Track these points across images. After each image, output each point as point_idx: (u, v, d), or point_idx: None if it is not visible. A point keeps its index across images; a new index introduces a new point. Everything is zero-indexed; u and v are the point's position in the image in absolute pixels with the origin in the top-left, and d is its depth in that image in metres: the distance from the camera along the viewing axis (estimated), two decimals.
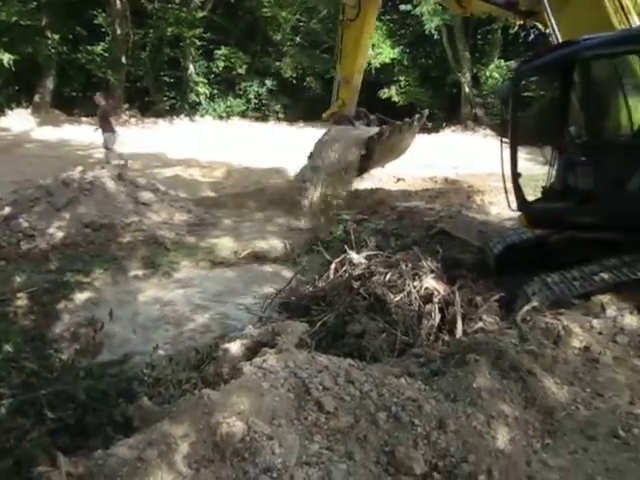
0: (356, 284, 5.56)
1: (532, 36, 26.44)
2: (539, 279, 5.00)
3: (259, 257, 8.37)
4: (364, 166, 11.12)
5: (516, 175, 5.96)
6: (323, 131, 11.96)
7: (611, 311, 4.37)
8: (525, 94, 6.41)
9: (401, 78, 25.73)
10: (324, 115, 11.98)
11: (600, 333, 4.04)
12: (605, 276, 4.86)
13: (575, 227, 5.76)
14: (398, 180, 12.54)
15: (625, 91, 5.14)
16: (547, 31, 20.58)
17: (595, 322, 4.14)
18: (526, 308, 4.39)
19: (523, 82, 6.32)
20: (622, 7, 5.62)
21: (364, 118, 11.75)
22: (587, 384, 3.55)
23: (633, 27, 5.54)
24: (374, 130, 10.81)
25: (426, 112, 12.54)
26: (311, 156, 11.29)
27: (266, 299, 6.45)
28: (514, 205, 6.00)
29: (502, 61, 22.88)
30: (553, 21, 6.32)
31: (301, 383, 3.28)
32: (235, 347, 4.46)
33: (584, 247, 5.56)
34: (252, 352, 4.30)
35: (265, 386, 3.16)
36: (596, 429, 3.17)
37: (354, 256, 6.02)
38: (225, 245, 8.73)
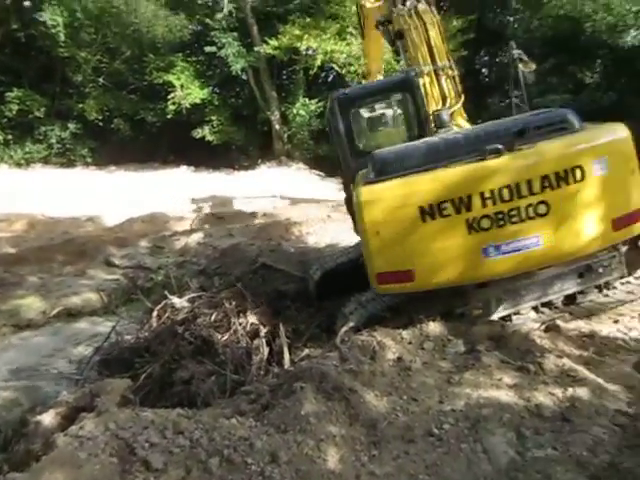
0: (180, 329, 5.41)
1: (331, 77, 28.66)
2: (354, 299, 5.35)
3: (73, 314, 7.70)
4: None
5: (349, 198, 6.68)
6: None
7: (418, 320, 4.82)
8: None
9: (213, 118, 25.97)
10: None
11: (410, 343, 4.43)
12: None
13: None
14: (217, 219, 12.56)
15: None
16: (343, 71, 22.44)
17: (405, 333, 4.53)
18: (344, 329, 4.66)
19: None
20: (430, 46, 6.26)
21: None
22: (403, 392, 3.84)
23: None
24: None
25: None
26: None
27: (83, 359, 5.94)
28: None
29: (307, 99, 24.38)
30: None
31: (124, 444, 3.07)
32: (48, 418, 4.03)
33: None
34: (69, 420, 3.91)
35: (82, 456, 2.90)
36: (414, 432, 3.44)
37: (176, 300, 5.86)
38: (31, 305, 7.86)
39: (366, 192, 4.62)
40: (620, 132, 4.62)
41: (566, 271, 5.77)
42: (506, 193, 4.29)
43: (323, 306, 6.33)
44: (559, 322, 5.08)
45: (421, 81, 6.00)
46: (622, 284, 6.24)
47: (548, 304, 5.71)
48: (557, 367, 3.96)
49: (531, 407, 3.54)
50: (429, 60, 6.08)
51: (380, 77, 11.11)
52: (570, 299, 5.86)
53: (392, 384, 3.89)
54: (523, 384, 3.81)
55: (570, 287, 5.80)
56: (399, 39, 6.70)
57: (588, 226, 4.46)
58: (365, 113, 6.38)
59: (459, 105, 6.35)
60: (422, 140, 5.40)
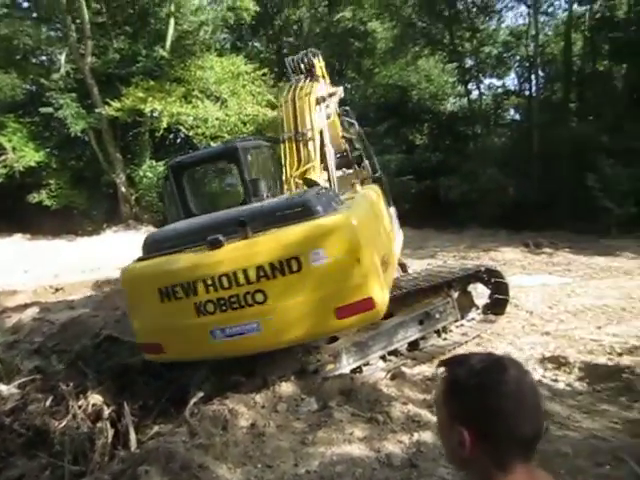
0: (8, 420, 4.76)
1: (179, 139, 28.48)
2: (205, 367, 5.16)
3: None
4: None
5: None
6: None
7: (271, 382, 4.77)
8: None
9: (51, 181, 24.21)
10: None
11: (263, 407, 4.35)
12: None
13: None
14: (56, 290, 11.54)
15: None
16: (190, 133, 22.46)
17: (258, 397, 4.44)
18: (193, 400, 4.44)
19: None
20: (295, 116, 6.47)
21: None
22: (257, 460, 3.73)
23: None
24: None
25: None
26: None
27: None
28: None
29: (154, 161, 23.82)
30: None
31: None
32: None
33: None
34: None
35: None
36: None
37: (2, 388, 5.18)
38: None
39: (125, 269, 5.03)
40: (344, 221, 4.52)
41: (407, 319, 6.18)
42: (225, 281, 4.45)
43: (175, 376, 5.99)
44: (404, 368, 5.36)
45: (282, 146, 6.29)
46: (457, 327, 6.84)
47: (394, 352, 6.04)
48: (403, 414, 4.13)
49: (381, 458, 3.63)
50: (292, 128, 6.37)
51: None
52: (413, 345, 6.27)
53: (246, 453, 3.77)
54: (373, 435, 3.91)
55: (412, 334, 6.23)
56: None
57: (308, 314, 4.50)
58: (196, 179, 6.63)
59: (308, 166, 6.64)
60: (184, 221, 5.67)
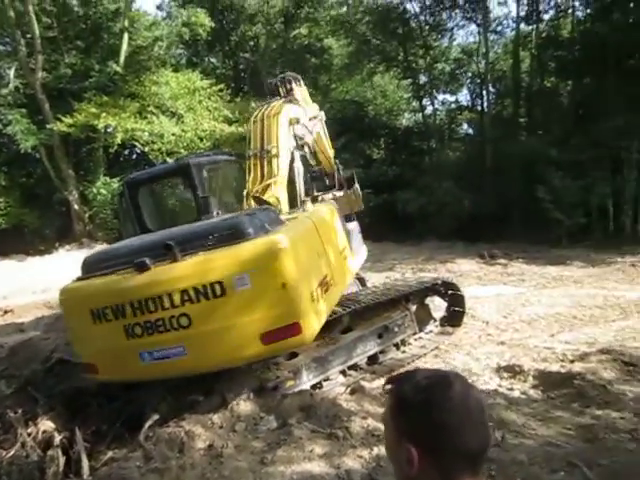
0: None
1: (135, 155, 28.04)
2: (162, 387, 5.03)
3: None
4: None
5: None
6: None
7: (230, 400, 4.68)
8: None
9: (0, 199, 23.48)
10: None
11: (221, 427, 4.26)
12: None
13: None
14: (5, 312, 11.10)
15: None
16: (146, 149, 22.12)
17: (215, 417, 4.35)
18: (148, 423, 4.32)
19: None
20: (262, 134, 6.45)
21: None
22: None
23: None
24: None
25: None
26: None
27: None
28: None
29: (108, 178, 23.31)
30: None
31: None
32: None
33: None
34: None
35: None
36: None
37: None
38: None
39: (63, 289, 4.95)
40: (270, 244, 4.36)
41: (367, 333, 6.21)
42: (152, 304, 4.42)
43: (133, 397, 5.80)
44: (363, 383, 5.36)
45: (247, 163, 6.28)
46: (415, 340, 6.91)
47: (354, 366, 6.04)
48: (363, 429, 4.13)
49: (341, 474, 3.61)
50: (258, 145, 6.36)
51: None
52: (373, 359, 6.29)
53: (203, 475, 3.68)
54: (333, 451, 3.88)
55: (372, 348, 6.26)
56: None
57: (233, 339, 4.43)
58: (152, 196, 6.60)
59: (269, 182, 6.62)
60: (124, 241, 5.61)
